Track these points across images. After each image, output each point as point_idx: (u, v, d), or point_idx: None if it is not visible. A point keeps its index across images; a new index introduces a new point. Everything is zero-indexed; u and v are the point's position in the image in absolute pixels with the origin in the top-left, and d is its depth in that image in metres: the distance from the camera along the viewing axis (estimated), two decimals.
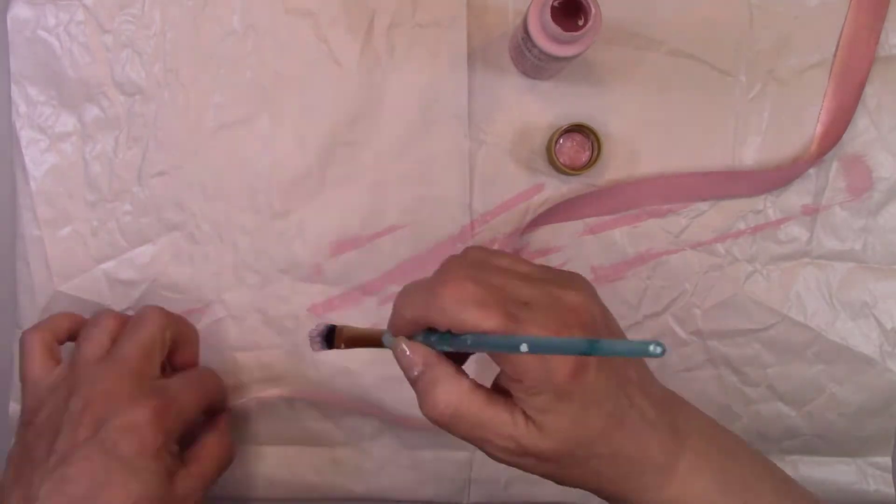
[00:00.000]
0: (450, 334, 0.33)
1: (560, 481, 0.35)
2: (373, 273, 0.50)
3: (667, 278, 0.50)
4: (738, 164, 0.49)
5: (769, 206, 0.50)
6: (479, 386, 0.34)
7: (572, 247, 0.50)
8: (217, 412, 0.46)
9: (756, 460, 0.37)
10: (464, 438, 0.34)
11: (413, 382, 0.35)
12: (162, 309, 0.44)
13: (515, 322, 0.31)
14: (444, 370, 0.33)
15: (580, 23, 0.41)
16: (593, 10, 0.40)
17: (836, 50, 0.49)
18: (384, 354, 0.47)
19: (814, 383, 0.50)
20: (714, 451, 0.35)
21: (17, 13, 0.49)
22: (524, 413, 0.32)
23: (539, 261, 0.50)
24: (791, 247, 0.50)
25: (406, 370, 0.35)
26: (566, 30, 0.40)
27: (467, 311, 0.31)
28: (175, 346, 0.45)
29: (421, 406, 0.34)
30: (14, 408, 0.50)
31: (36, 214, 0.49)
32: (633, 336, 0.50)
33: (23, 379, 0.42)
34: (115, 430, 0.38)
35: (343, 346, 0.39)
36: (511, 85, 0.49)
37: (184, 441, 0.42)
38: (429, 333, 0.34)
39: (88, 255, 0.49)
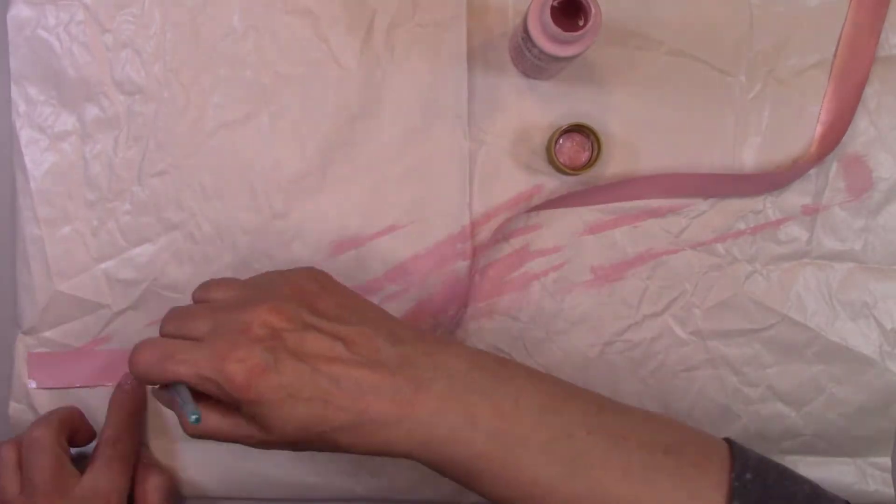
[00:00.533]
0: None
1: (320, 452, 0.38)
2: (373, 272, 0.50)
3: (667, 278, 0.50)
4: (737, 163, 0.49)
5: (769, 206, 0.50)
6: (216, 404, 0.37)
7: (572, 247, 0.50)
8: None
9: (522, 379, 0.38)
10: (222, 441, 0.38)
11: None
12: (45, 421, 0.46)
13: (182, 365, 0.36)
14: (184, 400, 0.37)
15: (580, 23, 0.41)
16: (593, 10, 0.40)
17: (836, 50, 0.49)
18: None
19: (813, 383, 0.50)
20: (460, 390, 0.36)
21: (17, 13, 0.49)
22: (250, 418, 0.36)
23: (539, 261, 0.50)
24: (791, 247, 0.50)
25: (166, 405, 0.41)
26: (566, 30, 0.40)
27: (150, 369, 0.37)
28: (73, 437, 0.47)
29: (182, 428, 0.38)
30: (14, 407, 0.50)
31: (36, 214, 0.49)
32: (632, 337, 0.50)
33: None
34: None
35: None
36: (511, 85, 0.49)
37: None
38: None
39: (88, 255, 0.49)
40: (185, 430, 0.38)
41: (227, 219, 0.49)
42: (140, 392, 0.49)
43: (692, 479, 0.36)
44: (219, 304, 0.39)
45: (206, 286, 0.42)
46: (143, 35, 0.49)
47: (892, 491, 0.51)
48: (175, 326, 0.39)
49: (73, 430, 0.47)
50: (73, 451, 0.47)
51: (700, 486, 0.36)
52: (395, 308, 0.50)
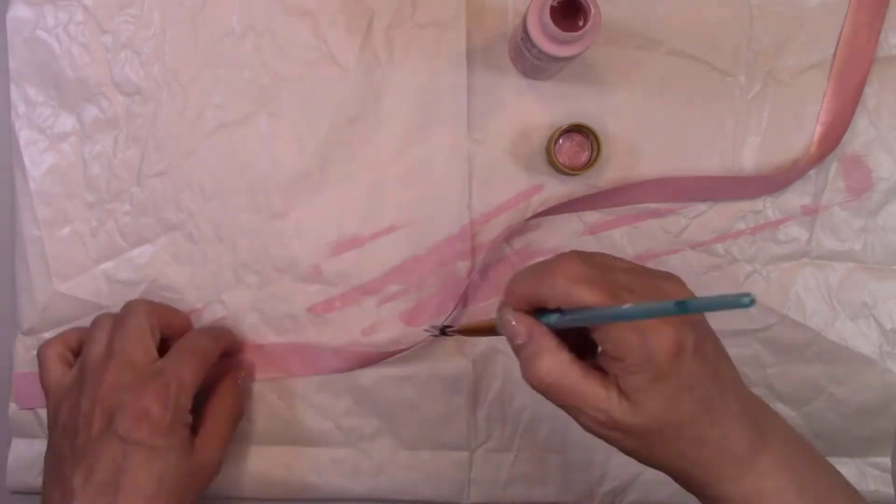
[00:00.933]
0: (559, 312, 0.34)
1: (643, 459, 0.36)
2: (372, 273, 0.50)
3: None
4: (737, 164, 0.49)
5: (768, 206, 0.49)
6: (578, 360, 0.35)
7: (572, 247, 0.49)
8: (229, 355, 0.48)
9: (831, 471, 0.38)
10: (559, 405, 0.35)
11: (517, 351, 0.36)
12: (145, 300, 0.46)
13: (619, 301, 0.33)
14: (548, 342, 0.35)
15: (580, 23, 0.41)
16: (593, 11, 0.40)
17: (836, 50, 0.49)
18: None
19: (813, 383, 0.50)
20: (793, 453, 0.36)
21: (17, 13, 0.49)
22: (619, 389, 0.34)
23: (537, 260, 0.49)
24: (790, 247, 0.50)
25: (511, 339, 0.36)
26: (566, 30, 0.40)
27: (576, 286, 0.33)
28: (167, 332, 0.46)
29: (523, 372, 0.35)
30: (14, 407, 0.50)
31: (35, 215, 0.49)
32: None
33: (43, 387, 0.45)
34: (126, 418, 0.40)
35: (455, 333, 0.44)
36: (510, 85, 0.49)
37: (199, 402, 0.44)
38: (538, 313, 0.36)
39: (88, 256, 0.50)
40: (534, 373, 0.35)
41: (226, 219, 0.49)
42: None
43: None
44: (637, 268, 0.36)
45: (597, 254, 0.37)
46: (143, 36, 0.49)
47: (892, 491, 0.51)
48: (597, 259, 0.36)
49: (168, 321, 0.46)
50: None
51: None
52: (395, 308, 0.50)
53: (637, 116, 0.49)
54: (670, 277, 0.36)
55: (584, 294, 0.33)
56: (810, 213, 0.50)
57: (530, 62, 0.45)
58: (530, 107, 0.49)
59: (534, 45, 0.42)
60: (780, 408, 0.50)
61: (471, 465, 0.51)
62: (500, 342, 0.50)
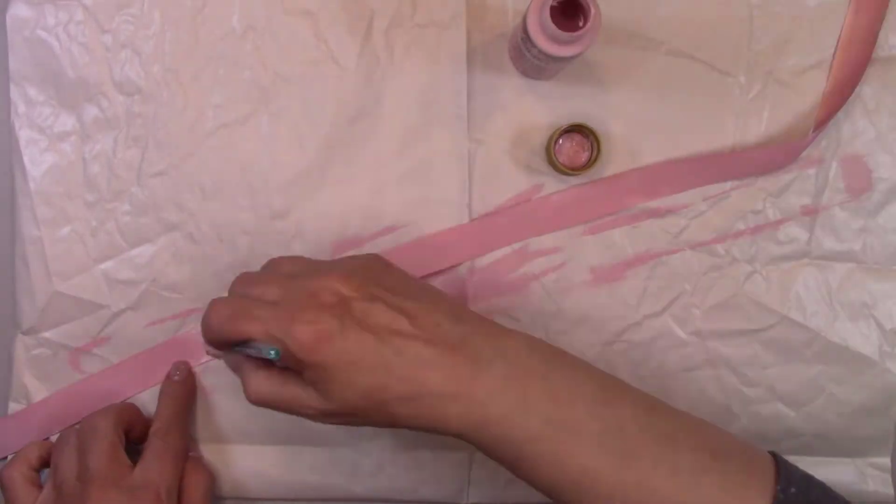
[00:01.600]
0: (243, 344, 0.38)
1: (376, 426, 0.38)
2: None
3: (666, 278, 0.50)
4: None
5: (769, 206, 0.49)
6: (279, 372, 0.39)
7: (572, 247, 0.50)
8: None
9: (577, 369, 0.39)
10: (282, 412, 0.39)
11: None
12: (103, 411, 0.46)
13: (253, 323, 0.37)
14: (248, 366, 0.39)
15: (580, 23, 0.41)
16: (593, 11, 0.40)
17: (835, 51, 0.49)
18: None
19: (813, 384, 0.50)
20: (517, 373, 0.37)
21: (17, 13, 0.48)
22: (312, 385, 0.37)
23: (539, 261, 0.50)
24: (790, 247, 0.50)
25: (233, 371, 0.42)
26: (566, 30, 0.40)
27: (223, 325, 0.38)
28: (131, 432, 0.47)
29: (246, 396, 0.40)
30: (13, 407, 0.50)
31: (35, 214, 0.49)
32: (631, 337, 0.50)
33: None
34: None
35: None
36: (510, 85, 0.49)
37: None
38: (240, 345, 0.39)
39: (87, 255, 0.49)
40: (248, 397, 0.39)
41: (226, 219, 0.49)
42: (190, 382, 0.50)
43: (738, 486, 0.36)
44: (288, 273, 0.40)
45: (273, 261, 0.43)
46: (143, 35, 0.49)
47: (891, 491, 0.51)
48: (245, 290, 0.40)
49: (130, 424, 0.47)
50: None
51: (746, 494, 0.36)
52: None
53: (637, 116, 0.49)
54: (330, 269, 0.39)
55: (229, 331, 0.38)
56: (810, 213, 0.50)
57: (530, 62, 0.45)
58: (530, 107, 0.49)
59: (534, 45, 0.42)
60: (780, 408, 0.50)
61: (471, 466, 0.50)
62: None
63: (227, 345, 0.39)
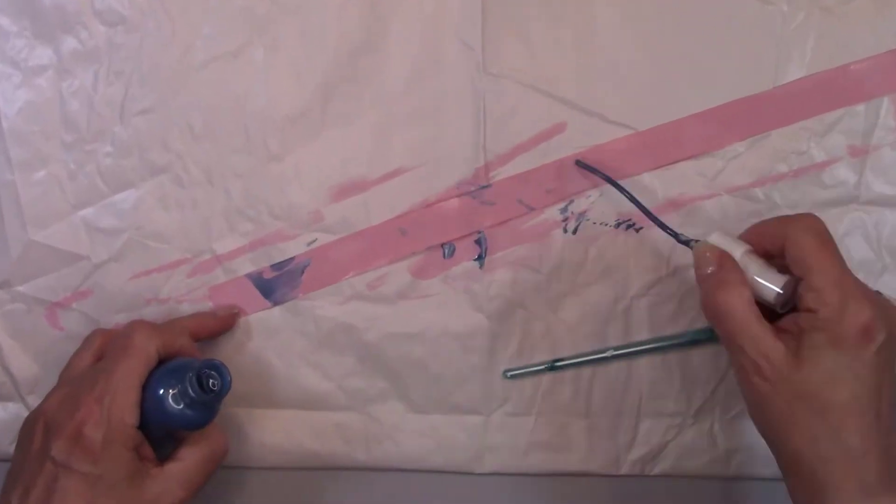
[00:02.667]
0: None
1: (772, 430, 0.36)
2: (377, 220, 0.46)
3: (701, 226, 0.46)
4: None
5: (813, 146, 0.46)
6: (758, 304, 0.36)
7: (597, 190, 0.46)
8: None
9: None
10: (724, 337, 0.37)
11: (701, 280, 0.38)
12: (147, 329, 0.42)
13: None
14: (736, 276, 0.37)
15: None
16: None
17: None
18: (391, 309, 0.46)
19: None
20: None
21: None
22: (792, 347, 0.35)
23: (560, 206, 0.46)
24: (837, 191, 0.46)
25: (700, 268, 0.39)
26: None
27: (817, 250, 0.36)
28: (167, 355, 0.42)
29: (702, 298, 0.38)
30: None
31: (8, 157, 0.46)
32: (662, 290, 0.47)
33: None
34: (59, 441, 0.37)
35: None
36: (529, 14, 0.45)
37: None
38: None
39: (66, 201, 0.47)
40: (709, 301, 0.37)
41: (217, 161, 0.46)
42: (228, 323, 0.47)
43: None
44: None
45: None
46: None
47: None
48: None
49: (168, 350, 0.42)
50: None
51: None
52: (403, 259, 0.47)
53: (669, 51, 0.45)
54: None
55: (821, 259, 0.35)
56: (859, 154, 0.46)
57: None
58: (552, 37, 0.45)
59: None
60: None
61: (486, 431, 0.48)
62: (521, 293, 0.47)
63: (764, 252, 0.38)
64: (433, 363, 0.47)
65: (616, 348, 0.47)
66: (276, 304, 0.47)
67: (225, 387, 0.39)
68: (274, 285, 0.47)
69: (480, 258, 0.47)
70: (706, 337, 0.46)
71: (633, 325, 0.47)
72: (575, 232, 0.46)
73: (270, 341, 0.47)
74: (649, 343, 0.47)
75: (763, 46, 0.45)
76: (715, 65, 0.45)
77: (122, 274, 0.47)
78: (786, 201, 0.46)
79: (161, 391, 0.39)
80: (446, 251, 0.47)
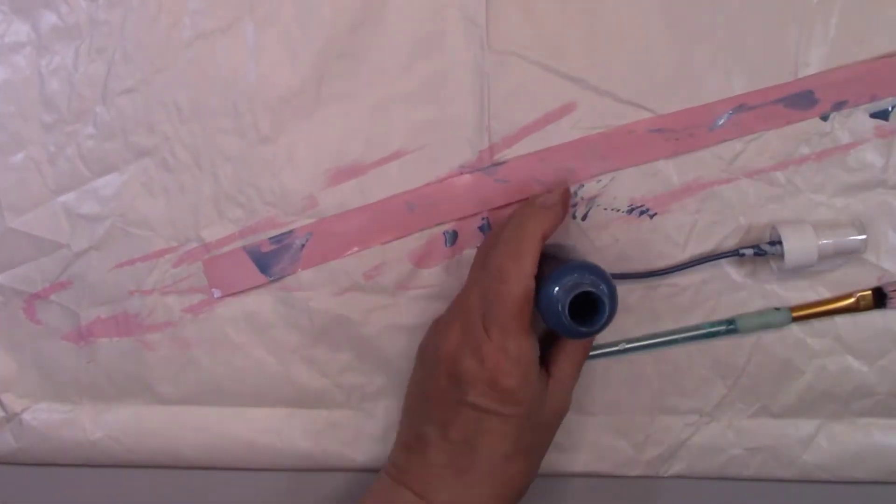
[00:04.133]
0: None
1: None
2: None
3: (718, 212, 0.44)
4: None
5: (837, 127, 0.43)
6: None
7: (608, 174, 0.44)
8: None
9: None
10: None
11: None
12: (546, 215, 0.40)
13: None
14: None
15: None
16: None
17: None
18: (390, 300, 0.45)
19: (888, 333, 0.44)
20: None
21: None
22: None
23: (571, 190, 0.44)
24: (863, 175, 0.44)
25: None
26: None
27: None
28: None
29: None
30: None
31: None
32: (678, 279, 0.44)
33: None
34: (474, 390, 0.38)
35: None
36: None
37: None
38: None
39: (45, 186, 0.46)
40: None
41: (205, 143, 0.45)
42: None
43: None
44: None
45: None
46: None
47: None
48: None
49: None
50: None
51: None
52: (402, 247, 0.45)
53: (685, 27, 0.43)
54: None
55: None
56: (886, 135, 0.43)
57: None
58: (559, 9, 0.43)
59: None
60: (849, 361, 0.45)
61: None
62: None
63: None
64: None
65: (629, 341, 0.45)
66: (273, 279, 0.45)
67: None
68: (272, 259, 0.45)
69: None
70: (724, 329, 0.44)
71: (647, 315, 0.45)
72: (584, 218, 0.44)
73: (262, 336, 0.46)
74: (664, 336, 0.45)
75: (785, 21, 0.43)
76: (734, 39, 0.43)
77: (105, 263, 0.46)
78: (809, 185, 0.44)
79: (559, 304, 0.37)
80: (448, 238, 0.45)
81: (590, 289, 0.36)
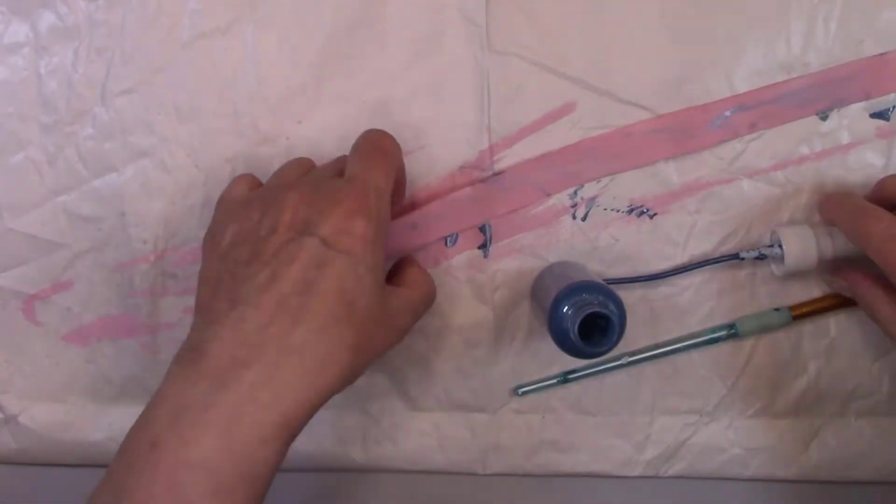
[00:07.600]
0: None
1: None
2: None
3: (718, 212, 0.44)
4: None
5: (837, 127, 0.43)
6: None
7: (607, 175, 0.44)
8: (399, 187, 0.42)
9: None
10: None
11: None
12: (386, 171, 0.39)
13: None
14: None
15: None
16: None
17: None
18: None
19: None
20: None
21: None
22: None
23: (569, 191, 0.44)
24: (863, 175, 0.44)
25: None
26: None
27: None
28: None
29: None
30: None
31: None
32: (678, 280, 0.44)
33: (217, 203, 0.41)
34: (327, 227, 0.35)
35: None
36: None
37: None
38: None
39: (44, 187, 0.46)
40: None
41: (204, 144, 0.45)
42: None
43: None
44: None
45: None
46: None
47: None
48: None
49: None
50: None
51: None
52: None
53: (684, 22, 0.42)
54: None
55: None
56: (886, 135, 0.43)
57: None
58: (560, 11, 0.43)
59: None
60: (849, 361, 0.45)
61: (490, 430, 0.46)
62: (527, 282, 0.45)
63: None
64: (435, 358, 0.46)
65: (631, 354, 0.45)
66: None
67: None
68: None
69: (485, 247, 0.45)
70: (724, 335, 0.44)
71: (647, 316, 0.45)
72: (584, 219, 0.44)
73: None
74: (665, 346, 0.45)
75: (785, 20, 0.43)
76: (735, 37, 0.43)
77: (105, 264, 0.46)
78: (809, 185, 0.44)
79: (568, 324, 0.37)
80: (448, 239, 0.44)
81: (599, 309, 0.36)
